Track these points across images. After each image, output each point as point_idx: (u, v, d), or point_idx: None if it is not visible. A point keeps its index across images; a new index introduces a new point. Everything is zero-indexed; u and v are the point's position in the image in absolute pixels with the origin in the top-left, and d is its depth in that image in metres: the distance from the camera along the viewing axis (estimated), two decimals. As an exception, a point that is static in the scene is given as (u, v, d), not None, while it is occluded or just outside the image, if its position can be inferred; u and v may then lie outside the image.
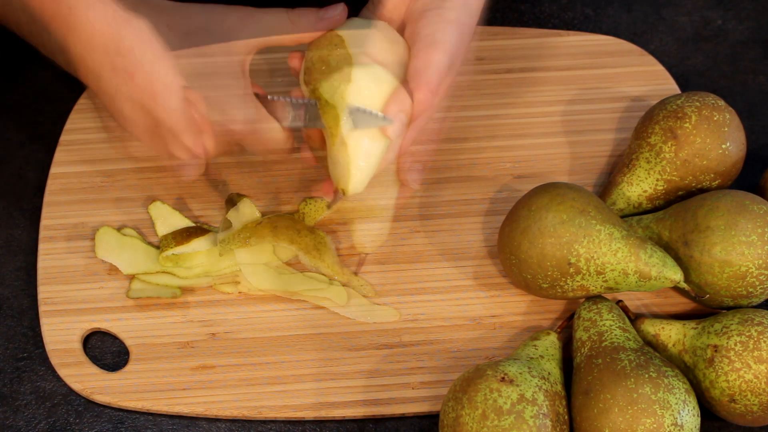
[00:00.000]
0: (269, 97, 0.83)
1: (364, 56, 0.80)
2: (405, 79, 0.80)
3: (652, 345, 0.83)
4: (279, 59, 0.96)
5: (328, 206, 0.89)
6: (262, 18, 0.82)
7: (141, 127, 0.82)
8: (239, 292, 0.87)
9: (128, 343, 0.86)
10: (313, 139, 0.85)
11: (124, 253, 0.88)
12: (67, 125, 0.96)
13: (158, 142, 0.82)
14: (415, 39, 0.81)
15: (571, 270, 0.81)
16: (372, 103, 0.79)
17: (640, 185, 0.88)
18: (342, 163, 0.81)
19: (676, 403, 0.76)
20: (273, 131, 0.82)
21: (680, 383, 0.77)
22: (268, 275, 0.87)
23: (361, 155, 0.80)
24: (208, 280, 0.87)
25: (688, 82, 1.00)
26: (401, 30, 0.84)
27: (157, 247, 0.89)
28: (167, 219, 0.90)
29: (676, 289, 0.86)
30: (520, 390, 0.76)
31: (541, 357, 0.80)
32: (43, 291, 0.87)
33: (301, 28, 0.82)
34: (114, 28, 0.77)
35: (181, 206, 0.92)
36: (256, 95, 0.83)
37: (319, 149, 0.85)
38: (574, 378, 0.80)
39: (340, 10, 0.82)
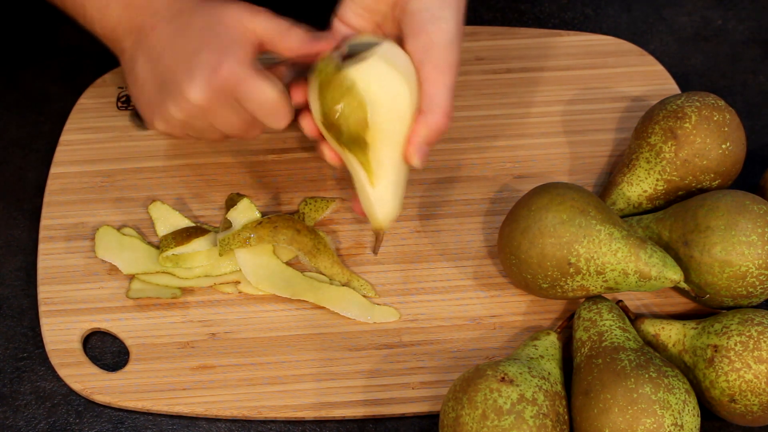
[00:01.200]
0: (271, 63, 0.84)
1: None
2: (421, 109, 0.81)
3: (652, 345, 0.83)
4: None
5: (374, 251, 0.87)
6: (270, 17, 0.82)
7: (144, 89, 0.83)
8: (239, 292, 0.87)
9: (128, 343, 0.86)
10: (332, 158, 0.85)
11: (124, 252, 0.88)
12: (67, 125, 0.96)
13: (158, 104, 0.83)
14: (420, 59, 0.81)
15: (571, 270, 0.81)
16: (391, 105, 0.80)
17: (640, 185, 0.88)
18: (371, 202, 0.82)
19: (676, 403, 0.76)
20: (268, 84, 0.81)
21: (680, 383, 0.77)
22: (268, 275, 0.87)
23: (389, 191, 0.82)
24: (209, 281, 0.87)
25: (688, 82, 1.00)
26: (392, 24, 0.84)
27: (157, 247, 0.89)
28: (167, 219, 0.90)
29: (676, 289, 0.86)
30: (520, 390, 0.76)
31: (541, 357, 0.80)
32: (43, 291, 0.87)
33: (292, 42, 0.82)
34: None
35: (181, 206, 0.92)
36: None
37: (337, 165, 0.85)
38: (574, 378, 0.80)
39: (325, 43, 0.81)
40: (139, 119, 0.95)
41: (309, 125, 0.84)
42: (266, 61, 0.82)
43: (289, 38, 0.82)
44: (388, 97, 0.79)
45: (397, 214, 0.84)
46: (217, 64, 0.79)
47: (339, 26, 0.84)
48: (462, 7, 0.83)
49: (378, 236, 0.85)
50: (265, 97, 0.81)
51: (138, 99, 0.85)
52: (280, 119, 0.82)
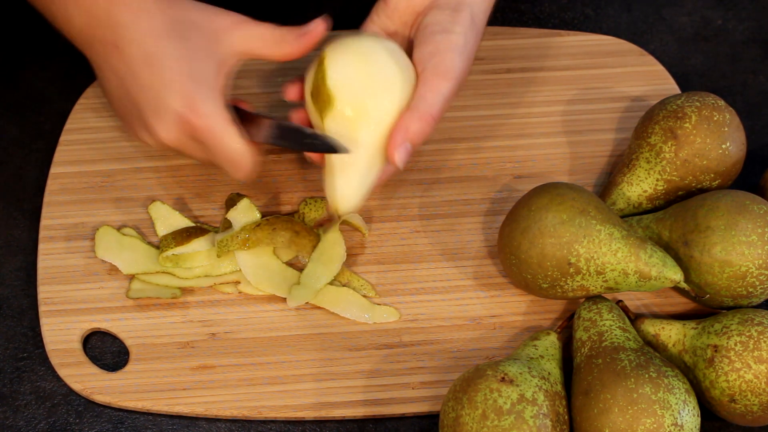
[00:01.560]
0: (255, 113, 0.85)
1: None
2: (410, 106, 0.81)
3: (652, 345, 0.83)
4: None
5: (324, 230, 0.88)
6: (252, 27, 0.82)
7: (118, 105, 0.84)
8: (239, 292, 0.87)
9: (128, 343, 0.86)
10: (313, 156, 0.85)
11: (123, 252, 0.88)
12: (67, 125, 0.96)
13: (131, 124, 0.84)
14: (423, 65, 0.82)
15: (571, 270, 0.81)
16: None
17: (640, 185, 0.88)
18: (335, 185, 0.83)
19: (676, 403, 0.76)
20: (232, 141, 0.82)
21: (680, 383, 0.77)
22: (268, 276, 0.87)
23: (355, 177, 0.82)
24: (209, 281, 0.87)
25: (688, 82, 1.00)
26: (409, 32, 0.85)
27: (157, 247, 0.89)
28: (167, 219, 0.90)
29: (676, 289, 0.86)
30: (520, 390, 0.76)
31: (541, 357, 0.80)
32: (43, 291, 0.87)
33: (290, 47, 0.82)
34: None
35: (181, 206, 0.92)
36: (237, 109, 0.84)
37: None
38: (574, 378, 0.80)
39: (319, 25, 0.82)
40: None
41: (294, 91, 0.84)
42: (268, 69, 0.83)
43: (284, 46, 0.82)
44: (379, 78, 0.81)
45: (357, 204, 0.83)
46: (188, 110, 0.80)
47: None
48: (475, 28, 0.84)
49: (333, 218, 0.84)
50: (228, 152, 0.82)
51: (112, 108, 0.86)
52: (237, 172, 0.83)
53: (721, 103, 0.88)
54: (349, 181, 0.82)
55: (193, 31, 0.81)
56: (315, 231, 0.88)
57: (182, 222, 0.90)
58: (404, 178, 0.93)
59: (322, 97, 0.81)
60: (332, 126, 0.82)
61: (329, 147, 0.81)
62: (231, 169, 0.83)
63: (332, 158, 0.82)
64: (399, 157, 0.81)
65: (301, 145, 0.83)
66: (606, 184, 0.91)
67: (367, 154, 0.82)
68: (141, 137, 0.84)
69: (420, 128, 0.81)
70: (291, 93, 0.85)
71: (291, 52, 0.82)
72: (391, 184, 0.93)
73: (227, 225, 0.88)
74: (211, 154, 0.83)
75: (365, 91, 0.81)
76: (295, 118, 0.85)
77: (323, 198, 0.91)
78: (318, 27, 0.82)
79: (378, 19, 0.86)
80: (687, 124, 0.86)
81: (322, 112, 0.81)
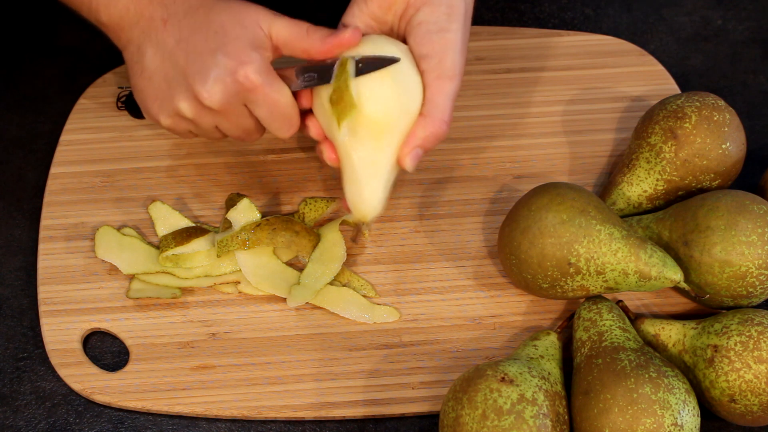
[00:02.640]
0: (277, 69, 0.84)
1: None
2: (421, 112, 0.81)
3: (652, 345, 0.83)
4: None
5: (354, 240, 0.87)
6: (285, 19, 0.82)
7: (156, 82, 0.83)
8: (239, 292, 0.87)
9: (128, 343, 0.86)
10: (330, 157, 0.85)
11: (123, 252, 0.88)
12: (67, 125, 0.96)
13: (169, 98, 0.83)
14: (424, 66, 0.82)
15: (571, 270, 0.81)
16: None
17: (640, 185, 0.88)
18: (362, 193, 0.82)
19: (676, 403, 0.76)
20: (282, 93, 0.81)
21: (680, 383, 0.77)
22: (268, 275, 0.87)
23: (380, 184, 0.82)
24: (209, 281, 0.87)
25: (688, 82, 1.00)
26: (400, 23, 0.84)
27: (157, 247, 0.89)
28: (167, 219, 0.90)
29: (676, 289, 0.86)
30: (520, 390, 0.76)
31: (541, 357, 0.80)
32: (43, 291, 0.87)
33: (313, 42, 0.82)
34: None
35: (181, 206, 0.92)
36: None
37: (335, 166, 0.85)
38: (574, 378, 0.80)
39: (350, 33, 0.81)
40: (134, 110, 0.95)
41: (315, 127, 0.84)
42: (277, 65, 0.82)
43: (308, 40, 0.82)
44: (404, 85, 0.81)
45: (380, 210, 0.83)
46: (235, 69, 0.80)
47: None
48: (468, 20, 0.84)
49: (359, 228, 0.85)
50: (277, 106, 0.81)
51: (143, 91, 0.84)
52: (287, 128, 0.83)
53: (721, 103, 0.88)
54: (375, 189, 0.82)
55: (241, 10, 0.81)
56: (315, 231, 0.88)
57: (182, 222, 0.90)
58: (404, 178, 0.93)
59: (344, 102, 0.80)
60: (352, 130, 0.81)
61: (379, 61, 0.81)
62: (281, 124, 0.83)
63: (354, 167, 0.82)
64: (410, 162, 0.82)
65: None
66: (606, 184, 0.91)
67: (390, 160, 0.82)
68: (177, 111, 0.82)
69: (433, 133, 0.81)
70: (305, 101, 0.84)
71: (314, 48, 0.82)
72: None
73: (227, 225, 0.88)
74: (257, 112, 0.82)
75: (394, 98, 0.80)
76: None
77: (323, 198, 0.91)
78: (348, 34, 0.81)
79: (366, 6, 0.84)
80: (687, 124, 0.86)
81: (341, 117, 0.81)
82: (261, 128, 0.84)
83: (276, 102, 0.81)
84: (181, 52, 0.81)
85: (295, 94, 0.83)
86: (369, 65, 0.80)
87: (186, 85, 0.81)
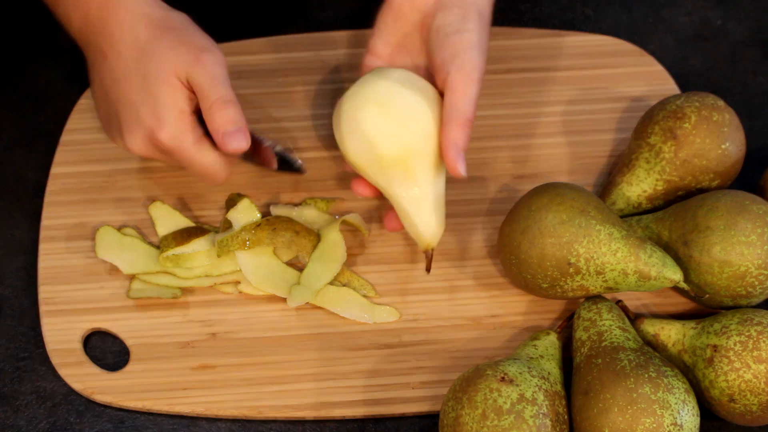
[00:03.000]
0: (257, 137, 0.89)
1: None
2: (449, 117, 0.82)
3: (652, 345, 0.83)
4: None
5: (427, 270, 0.85)
6: (196, 70, 0.83)
7: (101, 109, 0.87)
8: (239, 292, 0.87)
9: (128, 343, 0.86)
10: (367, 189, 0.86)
11: (124, 252, 0.88)
12: (67, 125, 0.96)
13: (110, 129, 0.87)
14: (446, 69, 0.82)
15: (571, 270, 0.81)
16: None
17: (639, 185, 0.88)
18: (417, 225, 0.83)
19: (676, 403, 0.76)
20: (200, 154, 0.84)
21: (680, 383, 0.77)
22: (268, 275, 0.87)
23: (431, 209, 0.83)
24: (209, 281, 0.87)
25: (688, 82, 1.00)
26: (420, 34, 0.85)
27: (158, 247, 0.89)
28: (167, 219, 0.90)
29: (676, 289, 0.86)
30: (520, 390, 0.76)
31: (541, 357, 0.80)
32: (44, 291, 0.87)
33: (211, 120, 0.83)
34: (104, 8, 0.83)
35: (181, 206, 0.92)
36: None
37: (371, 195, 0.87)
38: (574, 378, 0.80)
39: (237, 142, 0.83)
40: None
41: (365, 190, 0.86)
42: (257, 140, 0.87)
43: (208, 115, 0.83)
44: (406, 112, 0.82)
45: (442, 230, 0.84)
46: (156, 129, 0.82)
47: (371, 60, 0.87)
48: (485, 20, 0.85)
49: (427, 254, 0.84)
50: (196, 165, 0.84)
51: (96, 109, 0.89)
52: (212, 181, 0.87)
53: (721, 103, 0.88)
54: (428, 217, 0.83)
55: (160, 60, 0.82)
56: (315, 231, 0.89)
57: (182, 222, 0.90)
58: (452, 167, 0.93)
59: (384, 163, 0.82)
60: (381, 178, 0.83)
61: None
62: (206, 179, 0.86)
63: (403, 201, 0.83)
64: (461, 169, 0.82)
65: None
66: (606, 184, 0.91)
67: (429, 182, 0.83)
68: (117, 143, 0.87)
69: (465, 135, 0.82)
70: (361, 189, 0.86)
71: (210, 128, 0.83)
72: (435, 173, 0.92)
73: (227, 225, 0.88)
74: (185, 166, 0.85)
75: (399, 133, 0.82)
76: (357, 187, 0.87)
77: (323, 198, 0.91)
78: (234, 145, 0.82)
79: (386, 26, 0.86)
80: (687, 125, 0.86)
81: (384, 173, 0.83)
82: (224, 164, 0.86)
83: (194, 162, 0.84)
84: (114, 95, 0.84)
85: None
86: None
87: (119, 128, 0.85)
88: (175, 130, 0.83)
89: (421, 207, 0.83)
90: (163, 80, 0.82)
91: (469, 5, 0.84)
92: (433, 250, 0.84)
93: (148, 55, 0.83)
